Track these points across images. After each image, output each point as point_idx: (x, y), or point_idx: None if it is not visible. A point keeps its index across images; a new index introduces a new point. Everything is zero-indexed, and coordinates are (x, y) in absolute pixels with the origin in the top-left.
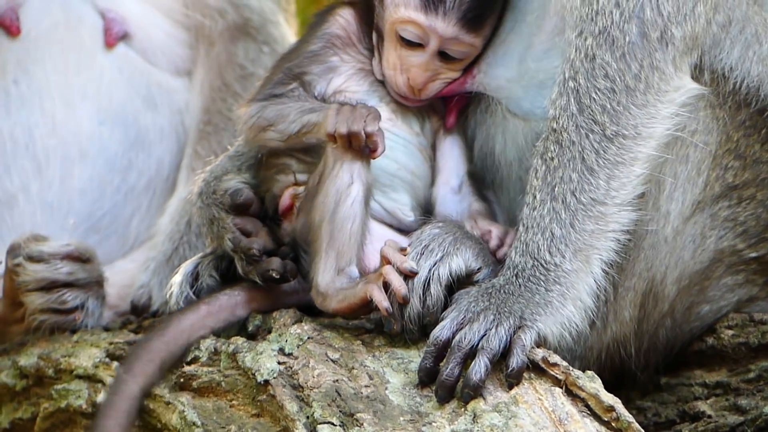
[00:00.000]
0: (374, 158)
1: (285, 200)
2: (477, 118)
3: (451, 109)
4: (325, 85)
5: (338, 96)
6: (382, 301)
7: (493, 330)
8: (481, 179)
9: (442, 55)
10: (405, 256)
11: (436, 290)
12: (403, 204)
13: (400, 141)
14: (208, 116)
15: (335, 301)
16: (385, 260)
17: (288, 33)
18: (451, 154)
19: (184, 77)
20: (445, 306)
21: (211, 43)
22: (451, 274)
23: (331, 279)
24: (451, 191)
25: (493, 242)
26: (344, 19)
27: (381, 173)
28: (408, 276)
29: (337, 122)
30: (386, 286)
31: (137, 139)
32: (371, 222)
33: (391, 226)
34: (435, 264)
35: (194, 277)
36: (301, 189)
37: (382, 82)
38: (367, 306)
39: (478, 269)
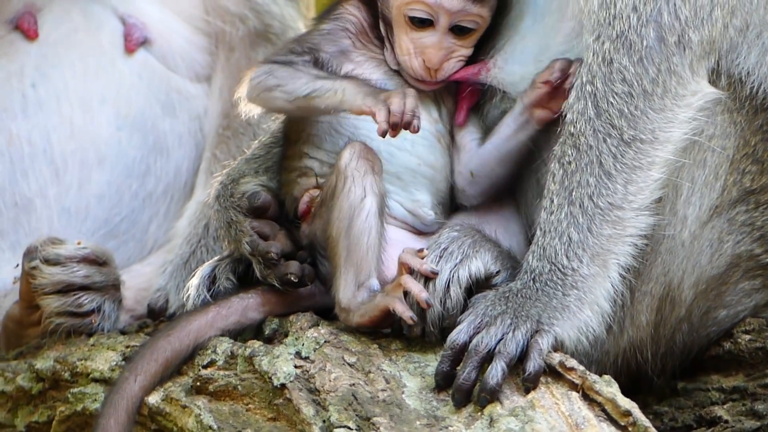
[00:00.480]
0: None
1: (303, 203)
2: (492, 112)
3: (461, 105)
4: (336, 67)
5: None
6: (405, 311)
7: (510, 334)
8: None
9: (453, 31)
10: (423, 259)
11: (456, 293)
12: (424, 203)
13: (420, 133)
14: (227, 121)
15: (357, 315)
16: (403, 267)
17: None
18: (468, 135)
19: (204, 83)
20: (463, 309)
21: (231, 48)
22: (470, 277)
23: (352, 294)
24: (473, 141)
25: (555, 74)
26: (353, 12)
27: (402, 170)
28: (428, 278)
29: (393, 100)
30: (406, 293)
31: (155, 144)
32: (389, 228)
33: (409, 228)
34: (455, 266)
35: (211, 280)
36: (318, 192)
37: (396, 72)
38: (390, 317)
39: (497, 272)
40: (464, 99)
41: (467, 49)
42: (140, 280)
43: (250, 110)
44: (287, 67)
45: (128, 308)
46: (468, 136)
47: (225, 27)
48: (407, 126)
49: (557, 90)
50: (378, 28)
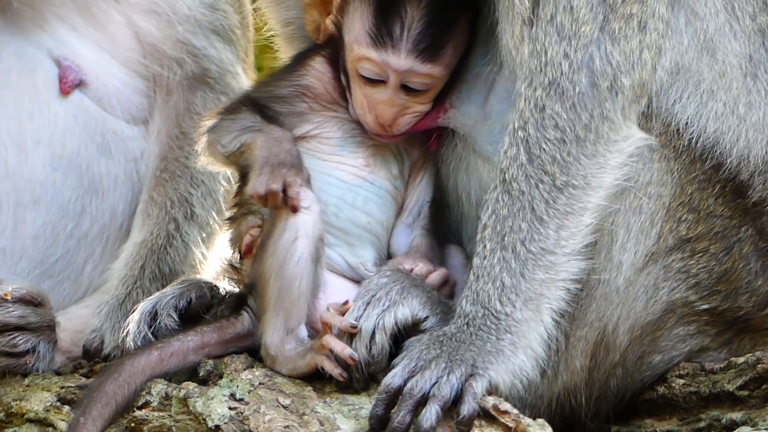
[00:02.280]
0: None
1: (246, 242)
2: (444, 152)
3: (432, 133)
4: (290, 127)
5: (308, 140)
6: (333, 369)
7: (445, 377)
8: (438, 208)
9: (406, 89)
10: (347, 311)
11: (381, 339)
12: (367, 259)
13: (375, 191)
14: (164, 163)
15: (286, 368)
16: (326, 327)
17: (246, 83)
18: (420, 185)
19: (140, 125)
20: (392, 355)
21: (169, 92)
22: (396, 323)
23: (279, 341)
24: (405, 224)
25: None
26: (318, 70)
27: (350, 226)
28: (351, 333)
29: (257, 181)
30: (332, 351)
31: (91, 185)
32: (328, 275)
33: (349, 277)
34: (381, 312)
35: (152, 316)
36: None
37: (359, 128)
38: (318, 373)
39: (425, 318)
40: (436, 128)
41: (423, 105)
42: (76, 322)
43: (207, 164)
44: (229, 118)
45: (64, 349)
46: (400, 220)
47: (162, 71)
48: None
49: None
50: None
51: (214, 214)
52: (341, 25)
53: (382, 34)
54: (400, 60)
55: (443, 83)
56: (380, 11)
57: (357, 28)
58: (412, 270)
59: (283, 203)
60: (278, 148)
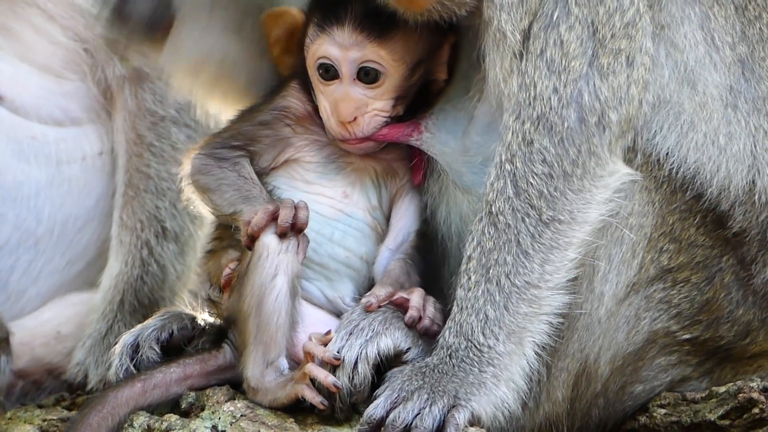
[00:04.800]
0: None
1: (225, 275)
2: (426, 186)
3: (417, 166)
4: (275, 155)
5: (291, 165)
6: (314, 397)
7: (427, 409)
8: (426, 239)
9: (360, 78)
10: (330, 341)
11: (364, 369)
12: (345, 294)
13: (353, 224)
14: (128, 176)
15: (267, 399)
16: (308, 356)
17: None
18: (405, 213)
19: (76, 126)
20: (374, 385)
21: (112, 91)
22: (379, 354)
23: (260, 373)
24: (389, 249)
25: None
26: (297, 89)
27: (328, 260)
28: (333, 364)
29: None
30: (314, 380)
31: (8, 193)
32: (307, 307)
33: (327, 310)
34: (364, 342)
35: (134, 348)
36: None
37: (337, 151)
38: (299, 403)
39: (408, 349)
40: (419, 160)
41: (382, 101)
42: (23, 334)
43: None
44: (221, 166)
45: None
46: (384, 246)
47: (91, 72)
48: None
49: None
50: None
51: (186, 219)
52: (305, 46)
53: (329, 17)
54: (344, 35)
55: (400, 78)
56: (328, 2)
57: (311, 29)
58: (372, 294)
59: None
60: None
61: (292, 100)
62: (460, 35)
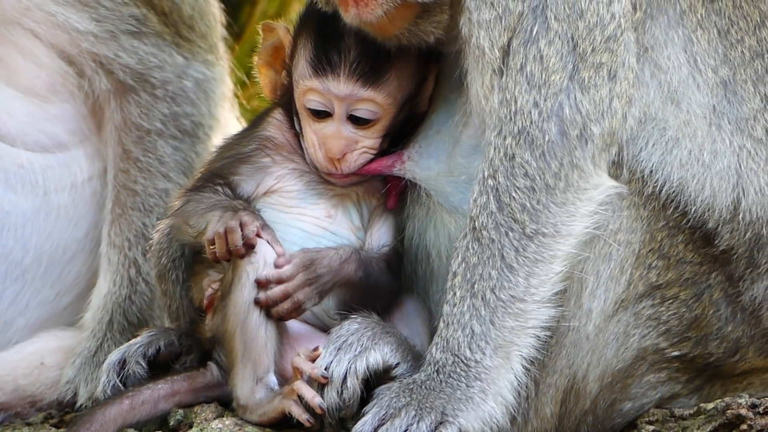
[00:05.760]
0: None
1: (207, 295)
2: (409, 209)
3: (391, 190)
4: (255, 186)
5: (271, 195)
6: (301, 414)
7: (415, 425)
8: (399, 258)
9: (353, 121)
10: (318, 357)
11: (353, 384)
12: (330, 308)
13: (337, 240)
14: (114, 193)
15: (256, 415)
16: (296, 372)
17: (222, 81)
18: (380, 231)
19: (63, 152)
20: (363, 401)
21: (98, 108)
22: (368, 368)
23: (250, 391)
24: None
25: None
26: (278, 120)
27: None
28: (321, 382)
29: (215, 228)
30: (301, 397)
31: None
32: (293, 321)
33: (314, 325)
34: (353, 357)
35: (121, 365)
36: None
37: (319, 178)
38: (288, 419)
39: (396, 364)
40: (393, 185)
41: (371, 140)
42: (5, 367)
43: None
44: (196, 197)
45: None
46: (371, 243)
47: (76, 90)
48: (237, 253)
49: None
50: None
51: None
52: (291, 71)
53: (322, 62)
54: (340, 85)
55: (391, 118)
56: (320, 43)
57: (301, 64)
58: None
59: (240, 244)
60: (233, 213)
61: (273, 129)
62: (441, 64)
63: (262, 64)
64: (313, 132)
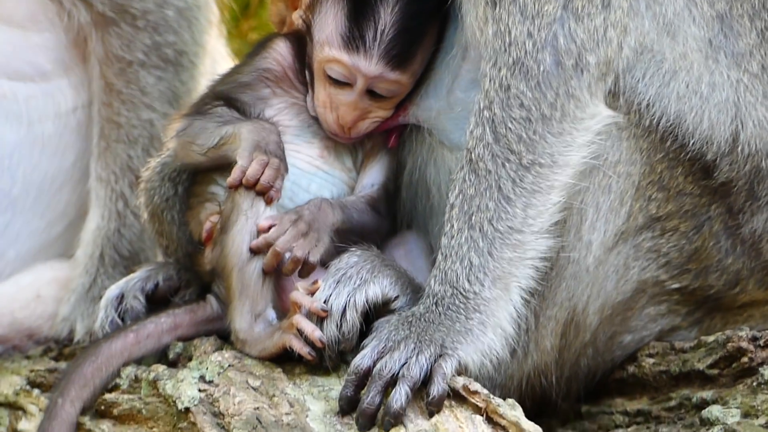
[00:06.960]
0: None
1: (206, 229)
2: (409, 146)
3: (392, 131)
4: (256, 115)
5: None
6: (302, 348)
7: (414, 358)
8: (389, 197)
9: (371, 93)
10: (317, 290)
11: (352, 317)
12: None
13: (329, 179)
14: (99, 127)
15: (256, 350)
16: (295, 306)
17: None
18: (372, 170)
19: (47, 82)
20: (362, 334)
21: (81, 40)
22: (367, 301)
23: (248, 325)
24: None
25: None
26: (279, 53)
27: None
28: (320, 316)
29: (250, 163)
30: (301, 331)
31: None
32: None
33: None
34: (352, 290)
35: (119, 300)
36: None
37: (315, 119)
38: (287, 353)
39: (395, 297)
40: (395, 127)
41: (385, 111)
42: (1, 300)
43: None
44: (201, 117)
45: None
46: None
47: (59, 20)
48: (262, 194)
49: None
50: (303, 71)
51: None
52: (310, 23)
53: (355, 38)
54: (371, 66)
55: (408, 90)
56: (354, 15)
57: (329, 29)
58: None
59: (271, 182)
60: (268, 137)
61: (273, 62)
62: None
63: None
64: (327, 95)
